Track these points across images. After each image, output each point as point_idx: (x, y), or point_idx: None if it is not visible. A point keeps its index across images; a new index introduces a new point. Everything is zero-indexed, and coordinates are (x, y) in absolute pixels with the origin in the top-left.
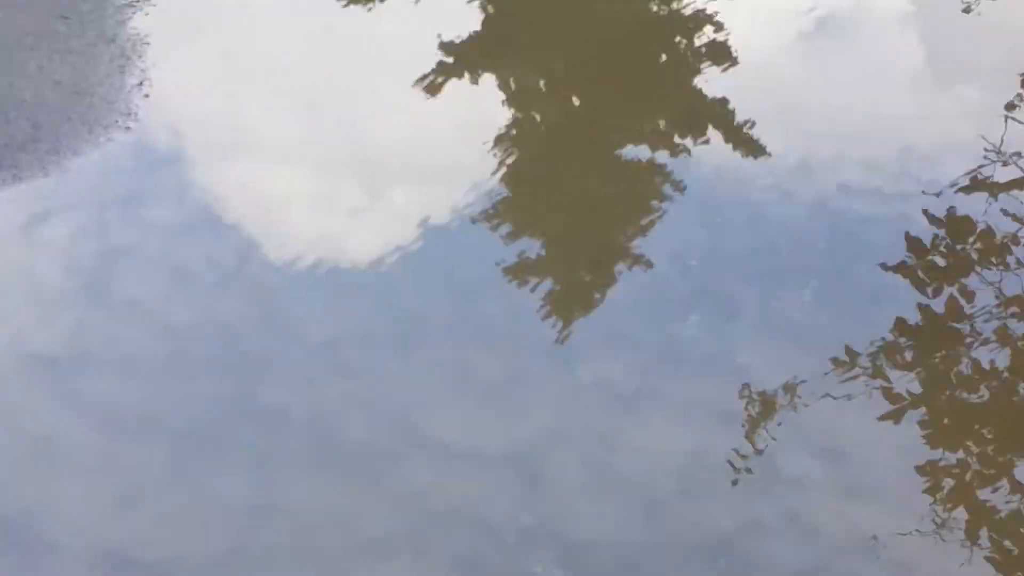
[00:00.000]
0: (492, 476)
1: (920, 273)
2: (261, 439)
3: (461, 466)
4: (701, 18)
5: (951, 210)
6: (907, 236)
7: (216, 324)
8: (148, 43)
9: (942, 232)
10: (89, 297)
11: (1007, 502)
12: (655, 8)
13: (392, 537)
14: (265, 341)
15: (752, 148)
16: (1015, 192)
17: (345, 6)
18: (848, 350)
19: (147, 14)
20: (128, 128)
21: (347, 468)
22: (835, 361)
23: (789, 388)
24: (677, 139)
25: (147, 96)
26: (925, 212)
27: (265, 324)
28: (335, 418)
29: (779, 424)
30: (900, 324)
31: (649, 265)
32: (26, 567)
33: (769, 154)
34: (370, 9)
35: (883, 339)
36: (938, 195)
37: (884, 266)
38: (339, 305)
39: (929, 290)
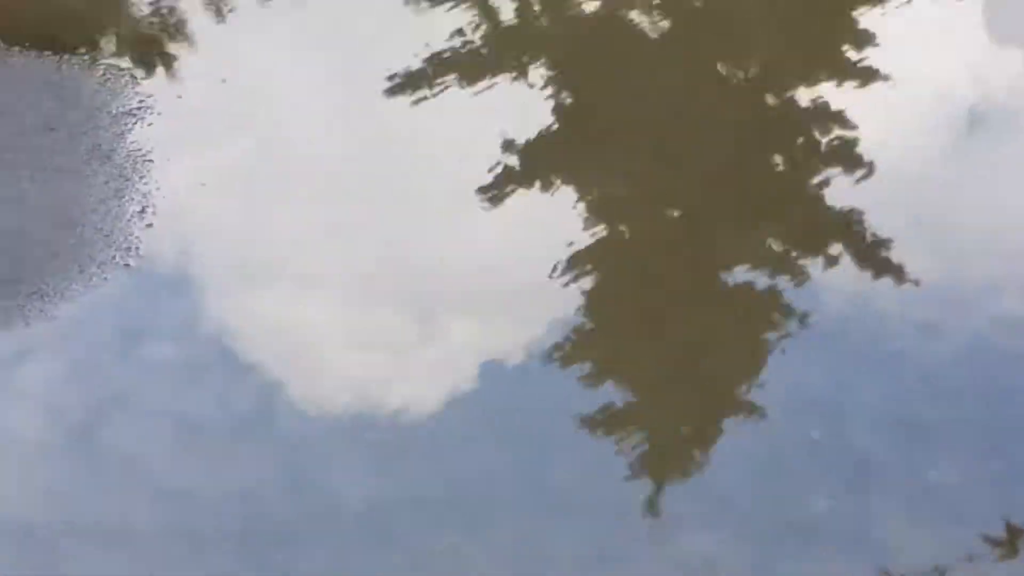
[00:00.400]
0: None
1: None
2: None
3: None
4: (827, 113)
5: None
6: None
7: (232, 488)
8: (151, 160)
9: None
10: (77, 457)
11: None
12: (770, 101)
13: None
14: (291, 510)
15: (890, 272)
16: None
17: (389, 96)
18: (1009, 527)
19: (150, 124)
20: (127, 265)
21: None
22: (989, 540)
23: (938, 571)
24: (797, 261)
25: (150, 226)
26: None
27: (291, 489)
28: None
29: None
30: None
31: (764, 417)
32: None
33: (911, 280)
34: (417, 103)
35: None
36: None
37: None
38: (382, 466)
39: None
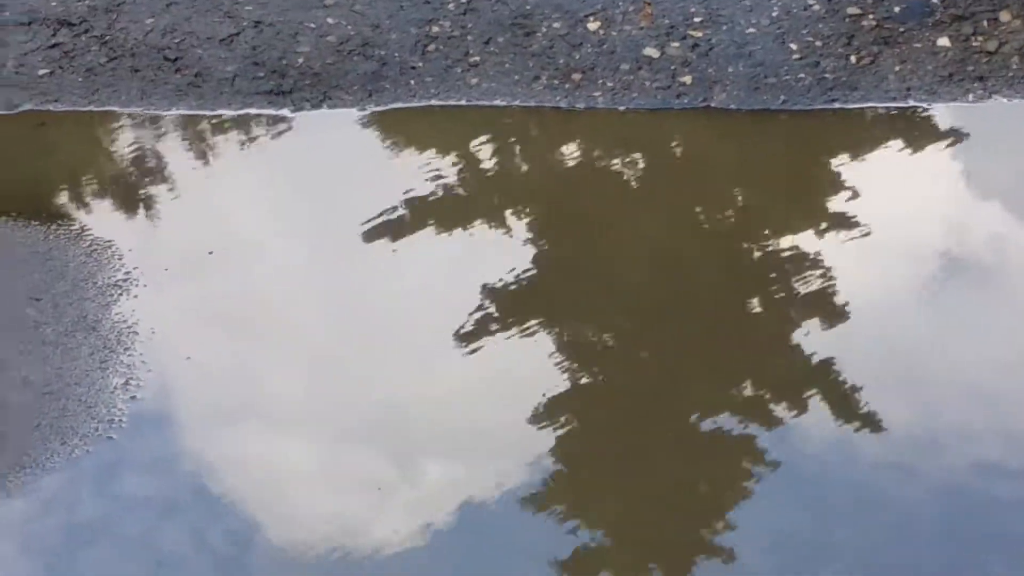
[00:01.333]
0: None
1: None
2: None
3: None
4: (802, 261)
5: None
6: None
7: None
8: (136, 332)
9: None
10: None
11: None
12: (745, 248)
13: None
14: None
15: (864, 420)
16: None
17: (369, 243)
18: None
19: (135, 296)
20: (111, 438)
21: None
22: None
23: None
24: (771, 408)
25: (134, 398)
26: None
27: None
28: None
29: None
30: None
31: (734, 560)
32: None
33: (885, 428)
34: (396, 251)
35: None
36: None
37: None
38: None
39: None
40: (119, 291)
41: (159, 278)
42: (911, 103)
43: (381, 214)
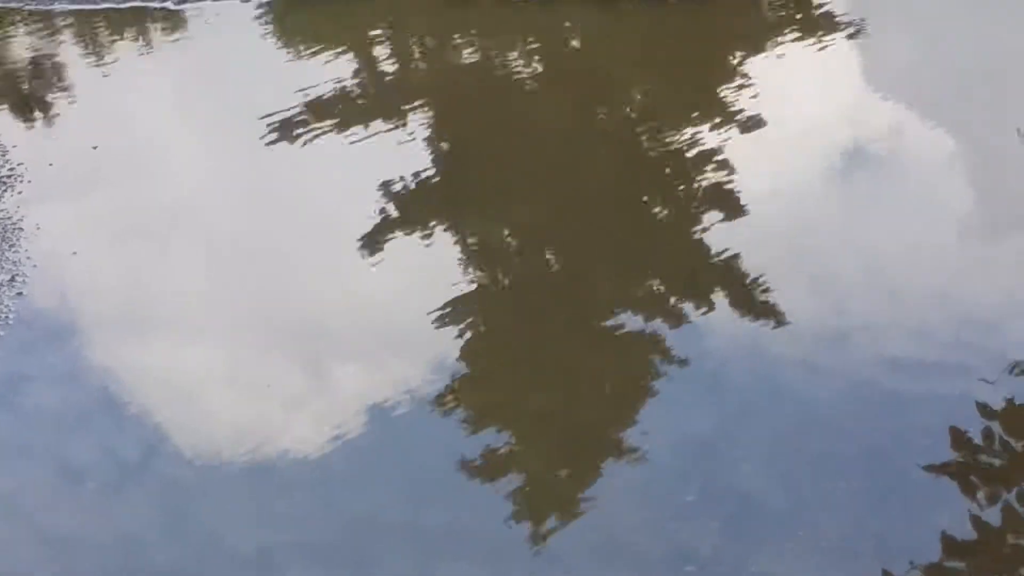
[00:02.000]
0: None
1: (973, 477)
2: None
3: None
4: (702, 157)
5: (1010, 400)
6: (953, 432)
7: (115, 534)
8: (21, 229)
9: (998, 425)
10: None
11: None
12: (646, 146)
13: None
14: (177, 555)
15: (767, 314)
16: None
17: (266, 146)
18: (885, 574)
19: (20, 193)
20: None
21: None
22: None
23: None
24: (675, 304)
25: (20, 294)
26: (978, 404)
27: (176, 534)
28: None
29: None
30: (948, 541)
31: (643, 460)
32: None
33: (788, 322)
34: (294, 153)
35: (928, 560)
36: (993, 383)
37: (931, 467)
38: (270, 511)
39: (982, 496)
40: (3, 188)
41: (44, 174)
42: None
43: (271, 107)
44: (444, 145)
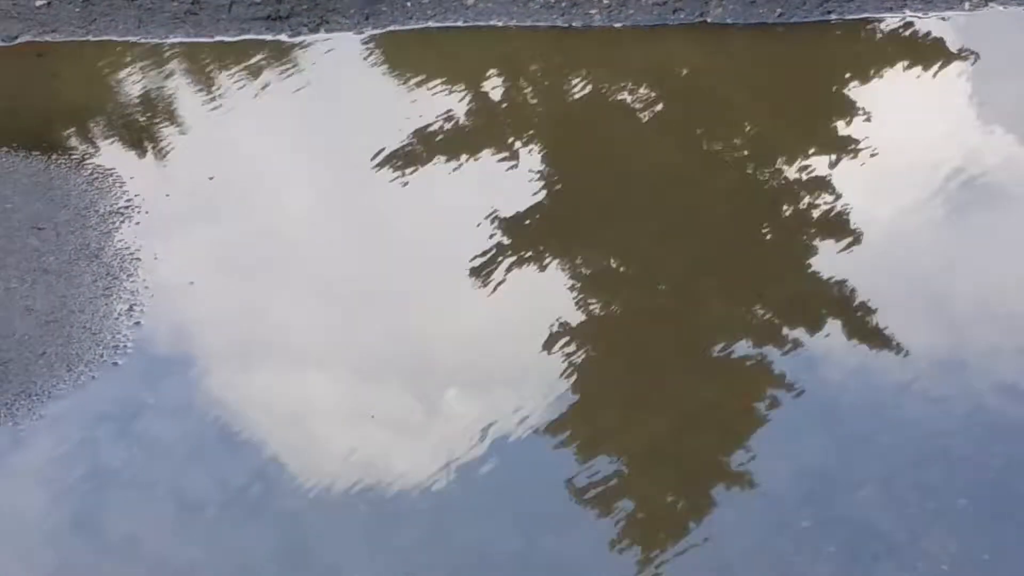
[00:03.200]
0: None
1: None
2: None
3: None
4: (813, 183)
5: None
6: None
7: (232, 565)
8: (139, 259)
9: None
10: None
11: None
12: (755, 173)
13: None
14: None
15: (880, 341)
16: None
17: (378, 176)
18: None
19: (137, 223)
20: (116, 364)
21: None
22: None
23: None
24: (787, 332)
25: (138, 324)
26: None
27: (292, 566)
28: None
29: None
30: None
31: (755, 488)
32: None
33: (903, 349)
34: (406, 184)
35: None
36: None
37: None
38: (382, 542)
39: None
40: (121, 218)
41: (160, 205)
42: (907, 13)
43: (384, 141)
44: (555, 178)
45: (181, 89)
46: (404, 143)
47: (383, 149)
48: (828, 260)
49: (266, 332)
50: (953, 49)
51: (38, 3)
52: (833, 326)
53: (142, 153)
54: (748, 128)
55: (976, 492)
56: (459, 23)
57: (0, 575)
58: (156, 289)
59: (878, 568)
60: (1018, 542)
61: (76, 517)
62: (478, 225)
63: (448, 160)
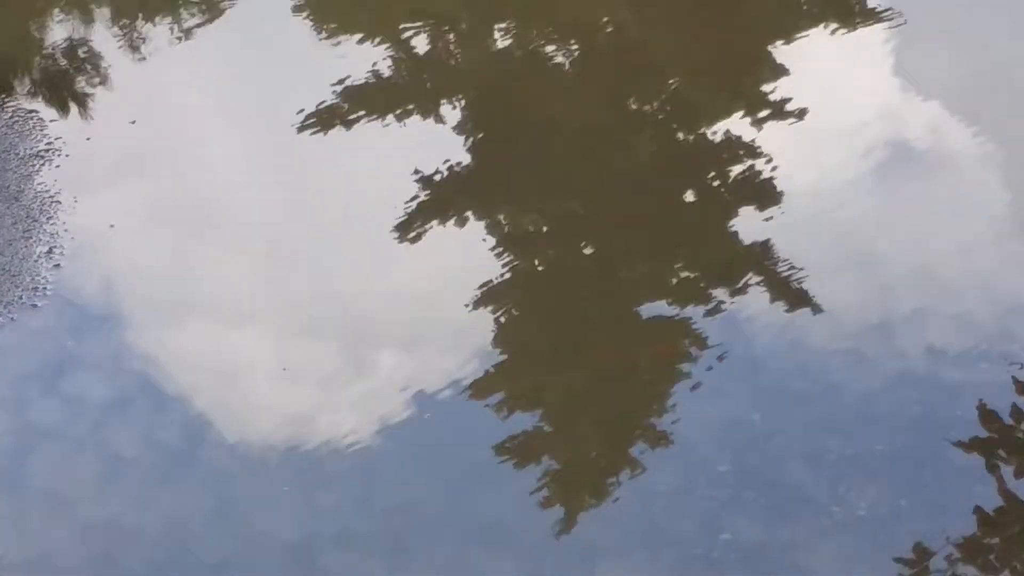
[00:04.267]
0: None
1: (1003, 451)
2: None
3: None
4: (737, 146)
5: None
6: (981, 407)
7: (159, 521)
8: (59, 202)
9: None
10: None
11: None
12: (680, 135)
13: None
14: (218, 544)
15: (803, 303)
16: None
17: (302, 131)
18: (917, 548)
19: (58, 166)
20: (35, 306)
21: None
22: (902, 561)
23: None
24: (710, 293)
25: (58, 266)
26: (1015, 379)
27: (218, 522)
28: None
29: None
30: (982, 515)
31: (675, 444)
32: None
33: (825, 310)
34: (328, 138)
35: (963, 534)
36: None
37: (960, 443)
38: (311, 499)
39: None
40: (41, 161)
41: (82, 148)
42: None
43: (307, 94)
44: (477, 132)
45: (103, 32)
46: (325, 98)
47: (306, 103)
48: (752, 221)
49: (187, 278)
50: (878, 9)
51: None
52: (756, 286)
53: (63, 96)
54: (675, 88)
55: (894, 440)
56: None
57: None
58: (76, 232)
59: (798, 514)
60: (934, 487)
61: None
62: (399, 181)
63: (372, 115)
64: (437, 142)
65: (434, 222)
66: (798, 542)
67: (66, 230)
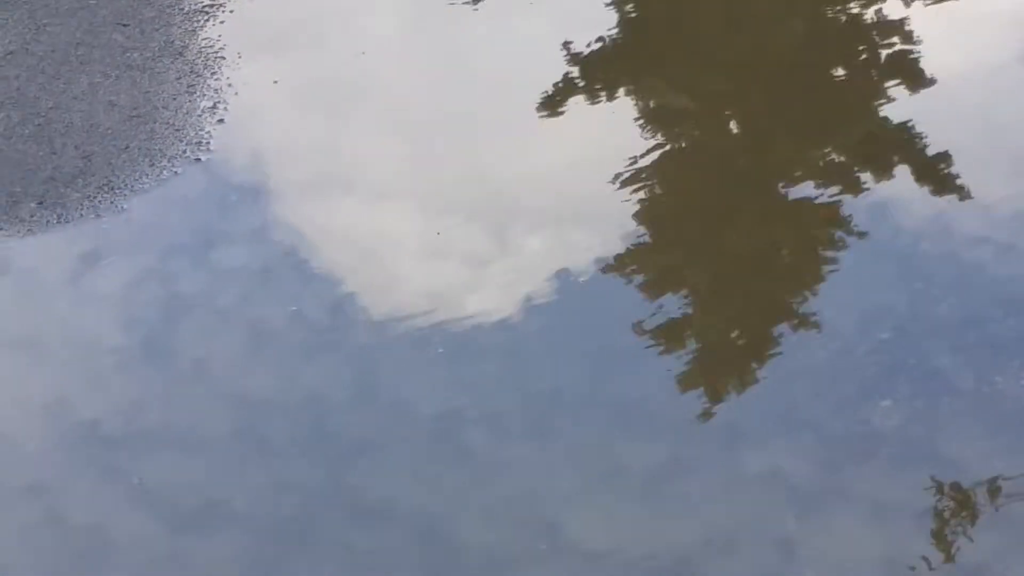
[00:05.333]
0: None
1: None
2: (356, 540)
3: None
4: (887, 26)
5: None
6: None
7: (303, 396)
8: (223, 57)
9: None
10: (148, 362)
11: None
12: (829, 14)
13: None
14: (362, 419)
15: (951, 189)
16: None
17: (451, 3)
18: None
19: (222, 22)
20: (198, 160)
21: None
22: None
23: (994, 486)
24: (856, 174)
25: (221, 121)
26: None
27: (362, 397)
28: (448, 517)
29: (989, 528)
30: None
31: (821, 329)
32: None
33: (973, 197)
34: (477, 10)
35: None
36: None
37: None
38: (453, 375)
39: None
40: (206, 17)
41: (245, 5)
42: None
43: None
44: (629, 13)
45: None
46: None
47: None
48: (901, 104)
49: (343, 143)
50: None
51: None
52: (902, 170)
53: None
54: None
55: None
56: None
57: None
58: (240, 87)
59: (947, 406)
60: None
61: (158, 303)
62: (548, 59)
63: None
64: (587, 19)
65: (582, 99)
66: (940, 428)
67: (229, 85)
